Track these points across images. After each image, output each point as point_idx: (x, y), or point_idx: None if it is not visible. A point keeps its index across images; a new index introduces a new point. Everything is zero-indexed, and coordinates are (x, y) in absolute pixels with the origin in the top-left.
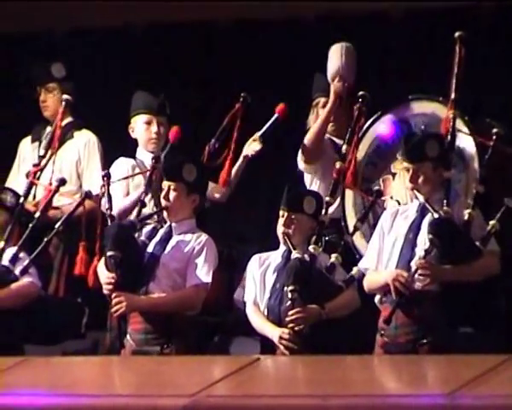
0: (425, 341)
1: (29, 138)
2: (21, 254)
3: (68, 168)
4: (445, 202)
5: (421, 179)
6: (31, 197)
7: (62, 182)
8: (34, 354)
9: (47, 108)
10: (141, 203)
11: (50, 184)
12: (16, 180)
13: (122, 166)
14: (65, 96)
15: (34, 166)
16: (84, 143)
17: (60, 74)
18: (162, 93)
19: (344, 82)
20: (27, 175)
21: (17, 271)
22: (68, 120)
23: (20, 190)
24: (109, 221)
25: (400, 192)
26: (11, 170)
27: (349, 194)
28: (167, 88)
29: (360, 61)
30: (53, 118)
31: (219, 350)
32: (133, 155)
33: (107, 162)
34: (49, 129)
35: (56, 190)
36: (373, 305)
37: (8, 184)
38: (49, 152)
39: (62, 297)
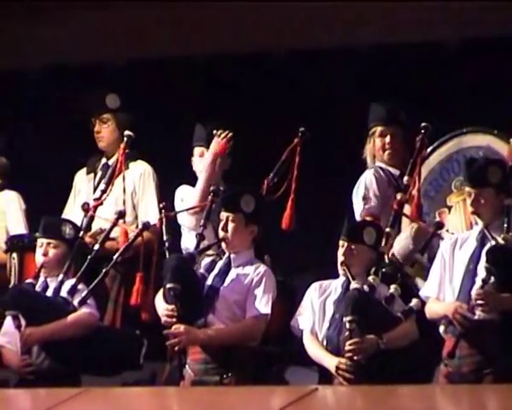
0: (488, 371)
1: (84, 170)
2: (80, 286)
3: (116, 195)
4: (505, 228)
5: (482, 205)
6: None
7: (122, 215)
8: (92, 384)
9: (101, 139)
10: (199, 236)
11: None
12: (72, 212)
13: (186, 191)
14: (127, 133)
15: (95, 200)
16: (140, 173)
17: (114, 105)
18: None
19: None
20: (84, 208)
21: (75, 302)
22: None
23: (77, 222)
24: (167, 253)
25: (456, 225)
26: (67, 202)
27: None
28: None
29: (413, 91)
30: (107, 149)
31: (278, 380)
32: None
33: (167, 194)
34: (104, 160)
35: (115, 223)
36: (433, 335)
37: (64, 216)
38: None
39: (121, 328)
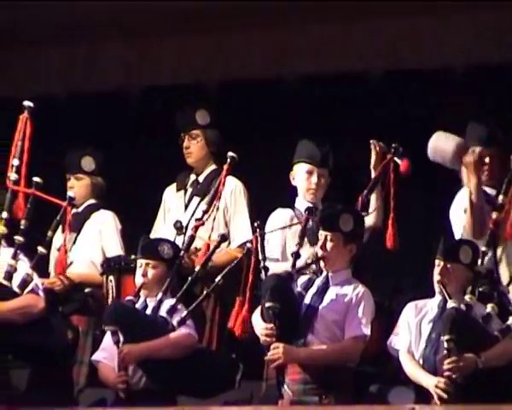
0: None
1: (174, 187)
2: (179, 306)
3: (216, 216)
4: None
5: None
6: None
7: (224, 238)
8: (187, 403)
9: (190, 155)
10: (295, 255)
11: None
12: (161, 229)
13: (280, 217)
14: (230, 154)
15: (197, 220)
16: (231, 190)
17: (204, 121)
18: (327, 144)
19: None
20: (177, 226)
21: (174, 322)
22: (213, 167)
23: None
24: (263, 272)
25: None
26: (156, 219)
27: (503, 244)
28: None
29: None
30: (195, 165)
31: (376, 400)
32: (292, 204)
33: (264, 210)
34: (193, 177)
35: (218, 246)
36: None
37: (154, 234)
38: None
39: (217, 351)
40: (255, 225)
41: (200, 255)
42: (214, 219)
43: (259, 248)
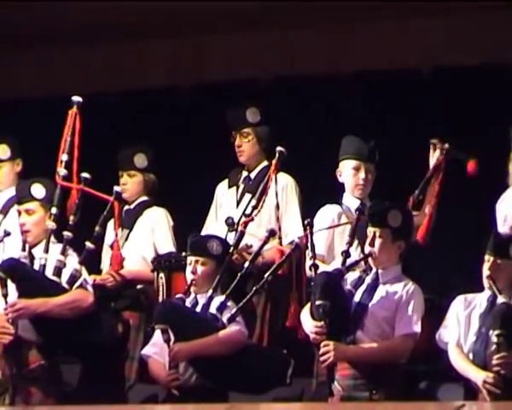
0: None
1: (225, 183)
2: (229, 303)
3: (267, 213)
4: None
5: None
6: None
7: (272, 233)
8: (239, 400)
9: (242, 154)
10: (345, 254)
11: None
12: (213, 226)
13: (328, 214)
14: (279, 148)
15: (246, 216)
16: (282, 186)
17: (254, 119)
18: (373, 140)
19: None
20: (228, 222)
21: (225, 318)
22: (264, 164)
23: (220, 236)
24: (313, 270)
25: None
26: (208, 215)
27: None
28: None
29: None
30: (248, 163)
31: (425, 396)
32: (339, 200)
33: (311, 206)
34: (245, 174)
35: (266, 241)
36: None
37: (205, 230)
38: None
39: (268, 347)
40: (305, 222)
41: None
42: (266, 215)
43: (309, 246)
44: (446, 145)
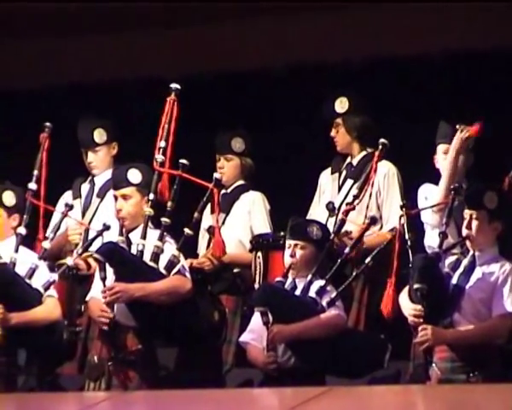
0: None
1: (329, 170)
2: (328, 287)
3: (366, 200)
4: None
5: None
6: None
7: (374, 221)
8: (337, 383)
9: (337, 143)
10: (442, 235)
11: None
12: (316, 212)
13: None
14: (382, 140)
15: (347, 204)
16: (384, 173)
17: (343, 109)
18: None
19: None
20: (329, 207)
21: (324, 302)
22: (366, 151)
23: (322, 222)
24: (410, 251)
25: None
26: (312, 202)
27: None
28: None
29: None
30: (344, 151)
31: None
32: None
33: (409, 192)
34: (348, 160)
35: (367, 228)
36: None
37: (309, 216)
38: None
39: (366, 332)
40: (400, 204)
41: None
42: (368, 205)
43: (405, 228)
44: None
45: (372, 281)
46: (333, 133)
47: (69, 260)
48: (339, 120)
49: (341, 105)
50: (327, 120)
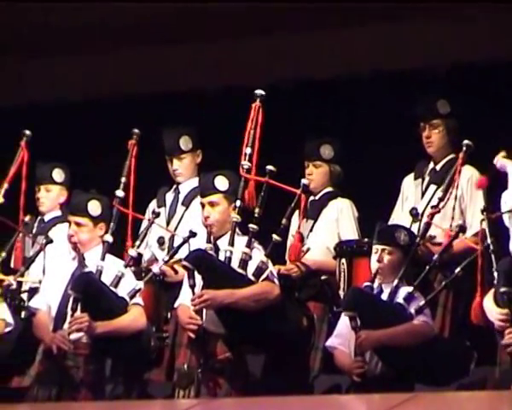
0: None
1: (412, 175)
2: (416, 294)
3: (451, 204)
4: None
5: None
6: None
7: (462, 229)
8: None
9: (431, 145)
10: None
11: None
12: (399, 217)
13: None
14: (466, 142)
15: (432, 207)
16: (467, 178)
17: (445, 111)
18: None
19: None
20: (412, 213)
21: (412, 309)
22: (451, 156)
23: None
24: (492, 256)
25: None
26: (394, 207)
27: None
28: None
29: None
30: (436, 154)
31: None
32: None
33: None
34: (431, 166)
35: (456, 237)
36: None
37: (391, 221)
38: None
39: (452, 339)
40: (481, 208)
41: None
42: (454, 208)
43: (487, 232)
44: None
45: (456, 287)
46: (427, 133)
47: (155, 268)
48: (438, 121)
49: (444, 107)
50: (425, 120)
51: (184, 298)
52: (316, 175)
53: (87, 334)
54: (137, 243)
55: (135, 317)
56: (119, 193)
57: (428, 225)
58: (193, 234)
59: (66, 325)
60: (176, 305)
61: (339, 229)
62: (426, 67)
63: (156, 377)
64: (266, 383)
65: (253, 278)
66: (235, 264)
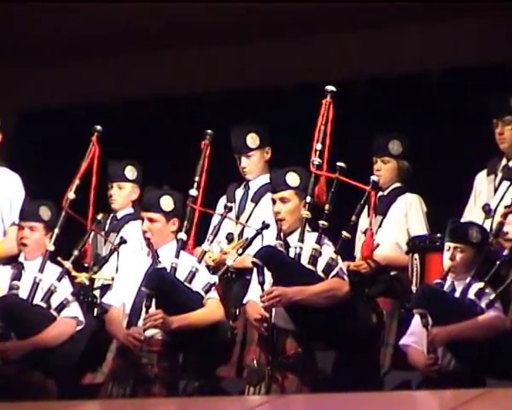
0: None
1: (485, 172)
2: (487, 289)
3: None
4: None
5: None
6: None
7: None
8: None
9: (504, 141)
10: None
11: None
12: (472, 214)
13: None
14: None
15: (506, 207)
16: None
17: None
18: None
19: None
20: (485, 209)
21: (483, 304)
22: None
23: None
24: None
25: None
26: (467, 203)
27: None
28: None
29: None
30: (508, 151)
31: None
32: None
33: None
34: (504, 162)
35: None
36: None
37: (464, 218)
38: None
39: None
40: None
41: None
42: None
43: None
44: None
45: None
46: (500, 130)
47: (229, 261)
48: (511, 118)
49: None
50: (497, 116)
51: (253, 294)
52: (384, 171)
53: (162, 330)
54: (210, 237)
55: (211, 310)
56: (193, 192)
57: (502, 224)
58: (266, 225)
59: (140, 322)
60: (245, 301)
61: (408, 224)
62: (499, 64)
63: (226, 374)
64: (336, 380)
65: (322, 275)
66: (304, 260)
